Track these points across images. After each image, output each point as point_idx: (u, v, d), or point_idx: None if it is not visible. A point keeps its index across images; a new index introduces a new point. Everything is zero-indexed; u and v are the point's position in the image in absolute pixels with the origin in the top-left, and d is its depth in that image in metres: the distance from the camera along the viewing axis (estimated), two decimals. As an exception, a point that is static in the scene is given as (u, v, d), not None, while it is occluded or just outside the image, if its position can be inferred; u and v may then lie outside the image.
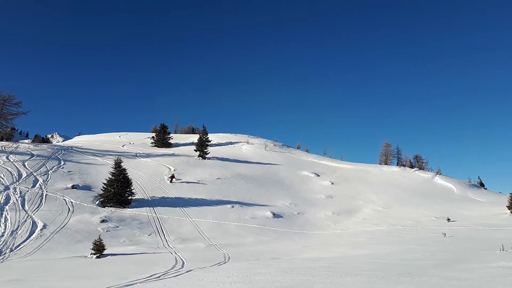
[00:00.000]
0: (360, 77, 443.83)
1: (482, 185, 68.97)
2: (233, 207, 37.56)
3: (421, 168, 69.97)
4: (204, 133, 61.29)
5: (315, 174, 59.12)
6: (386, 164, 73.84)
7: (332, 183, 54.93)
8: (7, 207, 28.73)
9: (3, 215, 27.13)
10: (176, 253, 22.40)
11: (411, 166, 70.26)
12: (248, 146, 72.83)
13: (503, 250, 18.23)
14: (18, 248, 22.37)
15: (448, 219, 36.26)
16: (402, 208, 44.07)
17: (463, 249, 20.78)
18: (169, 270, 15.41)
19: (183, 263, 18.25)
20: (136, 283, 11.38)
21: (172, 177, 40.72)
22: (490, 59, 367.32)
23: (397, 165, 72.85)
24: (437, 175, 63.09)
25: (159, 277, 13.12)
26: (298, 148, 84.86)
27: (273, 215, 37.02)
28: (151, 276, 13.28)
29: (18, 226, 25.84)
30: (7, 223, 25.88)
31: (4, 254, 20.95)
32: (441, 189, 56.27)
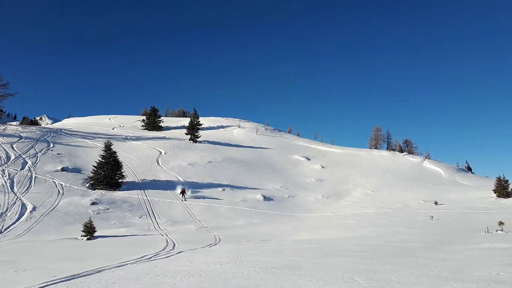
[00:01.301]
0: (351, 62, 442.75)
1: (469, 169, 70.07)
2: (224, 190, 37.69)
3: (410, 152, 70.66)
4: (195, 116, 60.92)
5: (306, 158, 59.41)
6: (376, 148, 74.39)
7: (323, 167, 55.30)
8: (-5, 189, 28.42)
9: (-8, 197, 26.86)
10: (167, 235, 22.50)
11: (401, 151, 70.92)
12: (239, 130, 72.73)
13: (488, 232, 18.66)
14: (7, 230, 22.26)
15: (436, 203, 36.89)
16: (391, 192, 44.67)
17: (449, 231, 21.22)
18: (160, 251, 15.50)
19: (174, 244, 18.36)
20: (127, 264, 11.43)
21: (183, 192, 33.45)
22: (480, 42, 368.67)
23: (387, 150, 73.47)
24: (426, 160, 63.87)
25: (150, 258, 13.19)
26: (289, 132, 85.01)
27: (264, 198, 37.27)
28: (142, 257, 13.34)
29: (7, 208, 25.66)
30: (-4, 205, 25.64)
31: (-7, 236, 20.81)
32: (429, 173, 57.05)
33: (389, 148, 75.07)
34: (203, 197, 34.75)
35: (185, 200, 32.55)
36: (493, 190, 39.12)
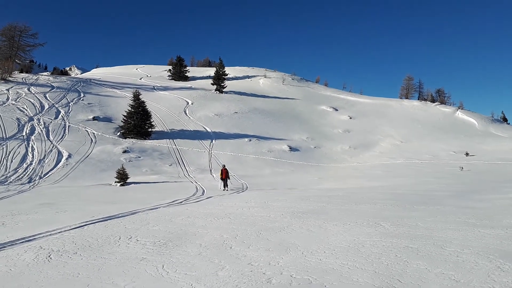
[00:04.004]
0: (382, 6, 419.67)
1: (505, 120, 67.43)
2: (250, 140, 38.03)
3: (442, 102, 68.28)
4: (221, 66, 60.36)
5: (333, 108, 58.52)
6: (407, 98, 72.26)
7: (350, 118, 54.48)
8: (33, 137, 29.79)
9: (30, 145, 28.23)
10: (196, 182, 23.23)
11: (433, 101, 68.57)
12: (265, 80, 71.79)
13: (521, 183, 18.20)
14: (46, 176, 23.55)
15: (467, 154, 36.04)
16: (420, 143, 43.83)
17: (479, 182, 20.83)
18: (190, 197, 16.08)
19: (204, 191, 18.98)
20: (159, 207, 11.96)
21: (225, 174, 20.34)
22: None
23: (418, 99, 71.22)
24: (458, 110, 61.68)
25: (181, 202, 13.73)
26: (317, 82, 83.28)
27: (290, 148, 37.43)
28: (173, 201, 13.91)
29: (45, 155, 26.96)
30: (34, 152, 27.01)
31: (34, 181, 22.12)
32: (462, 124, 55.29)
33: (421, 98, 72.70)
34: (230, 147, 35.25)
35: (227, 189, 19.88)
36: (529, 142, 37.69)
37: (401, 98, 72.97)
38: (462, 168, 28.31)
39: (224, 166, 21.69)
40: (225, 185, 20.39)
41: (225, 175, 20.56)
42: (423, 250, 5.55)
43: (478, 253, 5.26)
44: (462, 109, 63.15)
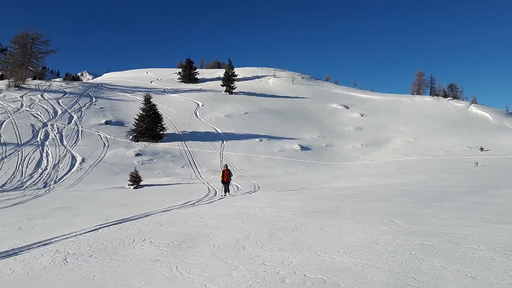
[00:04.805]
0: (391, 2, 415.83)
1: (520, 114, 66.04)
2: (261, 140, 38.04)
3: (455, 97, 67.33)
4: (230, 67, 60.51)
5: (344, 106, 58.19)
6: (418, 94, 71.45)
7: (362, 115, 54.10)
8: (47, 142, 30.28)
9: (45, 150, 28.70)
10: (208, 183, 23.32)
11: (445, 96, 67.66)
12: (275, 80, 71.73)
13: (538, 177, 17.84)
14: (61, 180, 23.91)
15: (482, 149, 35.47)
16: (433, 138, 43.30)
17: (495, 177, 20.48)
18: (202, 198, 16.16)
19: (216, 192, 19.05)
20: (172, 209, 12.05)
21: (227, 176, 17.84)
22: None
23: (430, 95, 70.36)
24: (472, 104, 60.75)
25: (194, 204, 13.81)
26: (326, 80, 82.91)
27: (301, 147, 37.34)
28: (186, 203, 13.99)
29: (59, 160, 27.38)
30: (49, 157, 27.45)
31: (49, 186, 22.49)
32: (475, 119, 54.45)
33: (433, 93, 71.83)
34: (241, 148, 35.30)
35: (227, 194, 17.39)
36: (545, 135, 36.94)
37: (412, 94, 72.18)
38: (477, 163, 27.88)
39: (226, 166, 18.98)
40: (226, 189, 17.64)
41: (226, 178, 17.60)
42: (438, 247, 5.48)
43: (495, 249, 5.17)
44: (475, 103, 62.18)
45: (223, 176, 17.64)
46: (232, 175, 18.40)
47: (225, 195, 17.14)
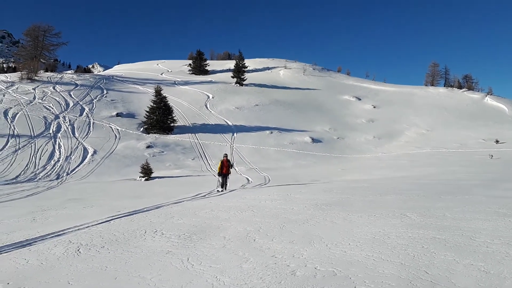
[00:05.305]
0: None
1: (537, 105, 64.65)
2: (271, 133, 37.97)
3: (470, 88, 66.15)
4: (240, 58, 60.31)
5: (356, 98, 57.66)
6: (432, 85, 70.42)
7: (374, 107, 53.58)
8: (59, 134, 30.67)
9: (57, 142, 29.09)
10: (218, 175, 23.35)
11: (460, 87, 66.52)
12: (285, 71, 71.33)
13: (554, 170, 17.48)
14: (73, 172, 24.23)
15: (497, 141, 34.87)
16: (447, 131, 42.71)
17: (510, 170, 20.13)
18: (213, 190, 16.21)
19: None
20: (183, 201, 12.11)
21: (225, 167, 15.90)
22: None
23: (444, 86, 69.26)
24: (487, 96, 59.64)
25: (205, 196, 13.86)
26: (338, 71, 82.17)
27: (312, 140, 37.17)
28: (197, 195, 14.06)
29: (71, 152, 27.73)
30: (61, 149, 27.82)
31: (62, 177, 22.81)
32: (491, 110, 53.48)
33: (447, 84, 70.69)
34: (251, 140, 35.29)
35: (223, 190, 15.53)
36: (563, 127, 36.12)
37: (426, 85, 71.16)
38: (492, 156, 27.42)
39: (226, 156, 16.32)
40: (224, 183, 15.65)
41: (226, 170, 15.53)
42: (451, 241, 5.40)
43: (509, 243, 5.08)
44: (491, 94, 61.03)
45: (221, 168, 15.59)
46: (232, 167, 16.26)
47: (222, 190, 15.29)
